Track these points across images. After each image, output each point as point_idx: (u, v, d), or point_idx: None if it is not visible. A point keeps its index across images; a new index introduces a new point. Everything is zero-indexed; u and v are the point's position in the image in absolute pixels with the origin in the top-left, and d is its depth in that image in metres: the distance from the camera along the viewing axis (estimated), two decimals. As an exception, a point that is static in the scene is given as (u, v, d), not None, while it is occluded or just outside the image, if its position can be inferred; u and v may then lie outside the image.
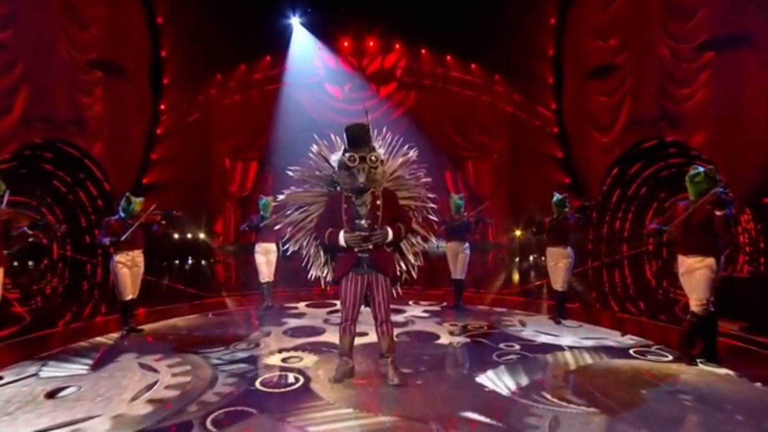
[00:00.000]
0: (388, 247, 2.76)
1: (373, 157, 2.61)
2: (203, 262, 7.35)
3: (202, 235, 7.55)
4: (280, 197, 2.87)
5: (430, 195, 2.99)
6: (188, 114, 7.66)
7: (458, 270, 5.50)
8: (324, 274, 2.96)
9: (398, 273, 2.94)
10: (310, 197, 2.91)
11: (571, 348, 3.83)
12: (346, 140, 2.68)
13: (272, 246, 5.42)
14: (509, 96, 8.37)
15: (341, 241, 2.57)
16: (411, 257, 2.99)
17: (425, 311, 5.46)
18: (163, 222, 4.30)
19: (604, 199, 6.23)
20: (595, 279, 6.25)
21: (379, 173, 2.69)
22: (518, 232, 8.19)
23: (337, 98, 8.52)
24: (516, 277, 7.38)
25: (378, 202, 2.69)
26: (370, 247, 2.66)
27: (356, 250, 2.68)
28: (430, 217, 2.93)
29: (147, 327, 4.60)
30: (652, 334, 4.21)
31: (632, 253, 6.12)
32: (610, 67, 6.57)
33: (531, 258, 8.19)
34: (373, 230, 2.67)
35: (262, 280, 5.47)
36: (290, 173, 2.90)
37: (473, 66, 8.42)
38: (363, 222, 2.65)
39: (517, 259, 8.33)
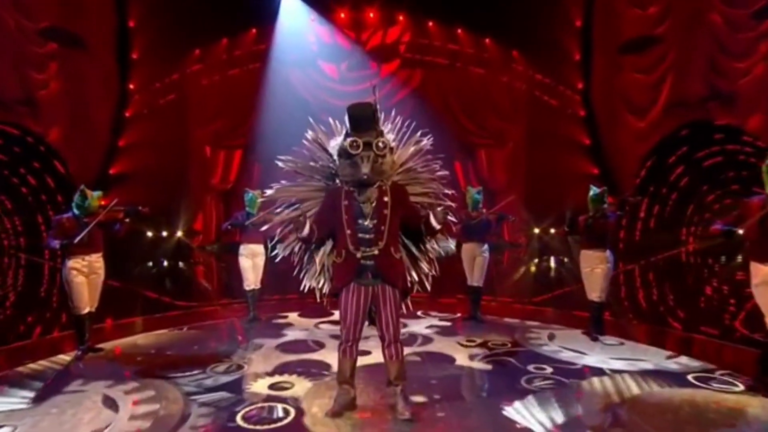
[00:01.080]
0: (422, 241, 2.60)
1: (380, 144, 2.47)
2: (180, 265, 7.10)
3: (179, 234, 7.15)
4: (269, 192, 2.76)
5: (447, 191, 2.85)
6: (162, 94, 7.21)
7: (475, 276, 5.36)
8: (320, 285, 2.80)
9: (409, 284, 2.78)
10: (303, 192, 2.77)
11: (614, 373, 3.56)
12: (348, 123, 2.53)
13: (259, 248, 5.32)
14: (528, 75, 7.97)
15: None
16: (424, 265, 2.82)
17: (437, 324, 5.26)
18: (127, 220, 4.05)
19: (639, 194, 5.87)
20: (633, 286, 6.05)
21: (387, 163, 2.54)
22: (537, 230, 7.82)
23: (333, 78, 8.09)
24: (538, 282, 7.29)
25: (385, 199, 2.53)
26: (376, 252, 2.50)
27: (358, 255, 2.52)
28: (448, 218, 2.71)
29: (108, 345, 4.37)
30: (713, 355, 3.94)
31: (678, 254, 5.73)
32: (649, 39, 6.27)
33: (553, 260, 7.93)
34: (380, 231, 2.50)
35: (247, 288, 5.37)
36: (280, 164, 2.77)
37: (487, 41, 8.01)
38: (367, 222, 2.51)
39: (536, 261, 8.07)
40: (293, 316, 5.81)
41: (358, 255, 2.54)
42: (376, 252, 2.53)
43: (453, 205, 2.84)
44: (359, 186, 2.56)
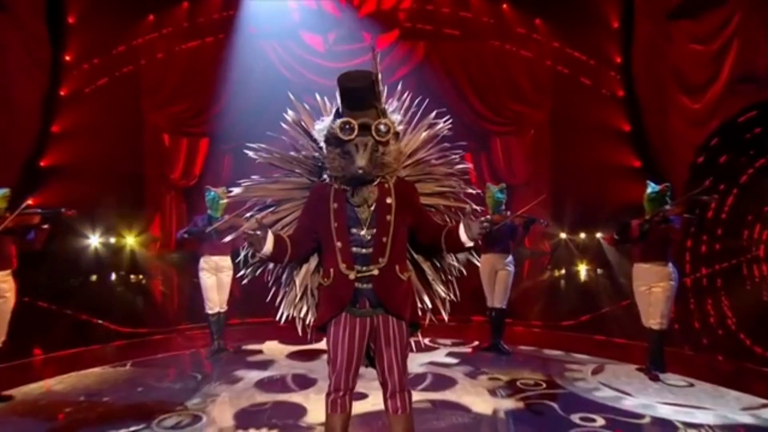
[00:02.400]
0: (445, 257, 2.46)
1: (381, 127, 2.24)
2: (131, 279, 6.87)
3: (130, 241, 6.88)
4: (235, 191, 2.56)
5: (471, 189, 2.64)
6: (106, 69, 6.88)
7: (497, 295, 5.17)
8: (301, 314, 2.58)
9: (420, 313, 2.56)
10: (281, 191, 2.58)
11: (689, 427, 3.24)
12: (339, 99, 2.32)
13: (224, 260, 5.19)
14: (554, 48, 7.71)
15: None
16: (440, 288, 2.59)
17: (450, 356, 5.12)
18: (45, 226, 3.74)
19: (690, 190, 5.50)
20: (702, 307, 5.85)
21: (390, 153, 2.33)
22: (563, 235, 7.63)
23: (318, 51, 7.81)
24: (570, 299, 7.10)
25: (388, 201, 2.33)
26: (375, 272, 2.27)
27: (352, 276, 2.28)
28: (484, 227, 2.39)
29: (22, 391, 3.98)
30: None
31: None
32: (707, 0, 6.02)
33: (583, 270, 7.70)
34: (381, 244, 2.29)
35: (210, 311, 5.21)
36: (251, 154, 2.60)
37: (504, 6, 7.75)
38: (364, 232, 2.30)
39: (564, 272, 7.87)
40: (269, 346, 5.65)
41: (352, 276, 2.31)
42: (376, 272, 2.31)
43: (478, 209, 2.55)
44: (353, 183, 2.34)
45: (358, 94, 2.28)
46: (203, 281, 5.18)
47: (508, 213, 5.02)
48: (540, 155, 7.99)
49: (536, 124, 7.98)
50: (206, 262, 5.16)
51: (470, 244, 2.30)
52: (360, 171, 2.25)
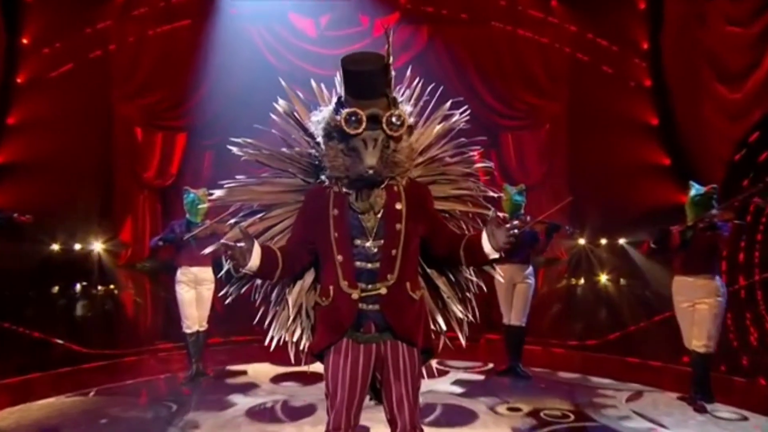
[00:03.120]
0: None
1: (394, 118, 2.20)
2: (97, 291, 6.81)
3: (97, 248, 6.79)
4: (217, 193, 2.53)
5: (493, 192, 2.65)
6: (71, 54, 6.75)
7: (516, 311, 5.15)
8: (295, 338, 2.55)
9: (434, 337, 2.52)
10: (270, 194, 2.56)
11: None
12: (342, 84, 2.29)
13: (205, 272, 5.15)
14: (572, 32, 7.66)
15: None
16: (457, 308, 2.56)
17: (462, 382, 5.03)
18: None
19: (727, 191, 5.41)
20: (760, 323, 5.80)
21: (403, 151, 2.30)
22: (582, 241, 7.55)
23: (310, 37, 7.77)
24: (592, 314, 7.05)
25: (398, 206, 2.31)
26: (383, 291, 2.24)
27: (355, 296, 2.24)
28: (511, 237, 2.39)
29: None
30: None
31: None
32: (747, -26, 6.00)
33: (606, 281, 7.63)
34: (390, 257, 2.27)
35: (188, 330, 5.16)
36: (235, 150, 2.56)
37: None
38: (369, 244, 2.26)
39: (582, 282, 7.81)
40: (256, 368, 5.50)
41: (355, 296, 2.26)
42: (384, 291, 2.26)
43: (504, 215, 2.60)
44: (357, 186, 2.29)
45: (367, 79, 2.20)
46: (180, 296, 5.12)
47: (528, 218, 4.92)
48: (556, 152, 7.93)
49: (552, 118, 7.90)
50: (184, 274, 5.12)
51: (495, 255, 2.25)
52: (370, 171, 2.18)
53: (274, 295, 2.54)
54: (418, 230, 2.34)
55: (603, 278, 7.74)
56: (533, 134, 7.96)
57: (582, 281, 7.94)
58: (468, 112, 2.66)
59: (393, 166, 2.26)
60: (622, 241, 7.41)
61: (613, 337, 6.38)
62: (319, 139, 2.36)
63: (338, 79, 2.38)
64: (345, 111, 2.18)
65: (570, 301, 7.48)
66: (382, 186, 2.28)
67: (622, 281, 7.38)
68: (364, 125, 2.17)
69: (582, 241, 7.53)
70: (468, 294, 2.58)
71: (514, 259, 4.93)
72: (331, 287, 2.28)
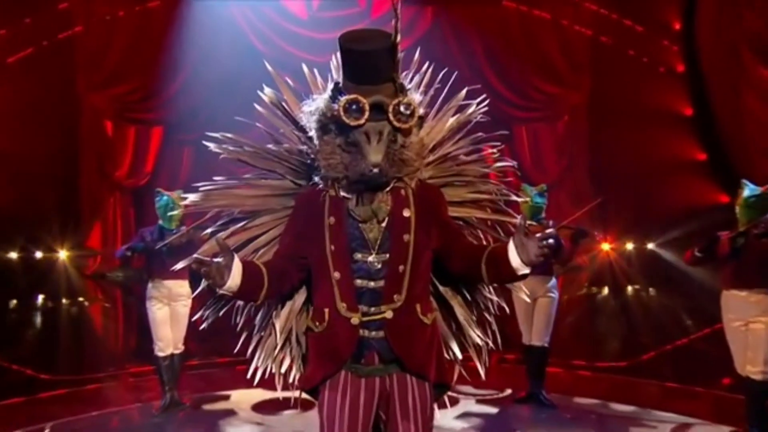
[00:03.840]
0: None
1: (401, 107, 2.17)
2: (62, 304, 6.80)
3: (61, 256, 6.80)
4: (191, 198, 2.51)
5: (517, 197, 2.64)
6: (32, 37, 6.71)
7: (537, 330, 5.14)
8: (283, 369, 2.52)
9: (446, 368, 2.46)
10: (253, 198, 2.54)
11: None
12: (341, 67, 2.28)
13: (181, 286, 5.10)
14: (593, 12, 7.65)
15: None
16: (475, 332, 2.52)
17: (475, 412, 4.95)
18: None
19: None
20: None
21: (412, 147, 2.28)
22: (606, 246, 7.47)
23: (300, 19, 7.79)
24: (619, 330, 6.99)
25: (406, 213, 2.28)
26: (388, 315, 2.21)
27: (355, 320, 2.20)
28: (546, 247, 2.32)
29: None
30: None
31: None
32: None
33: (631, 289, 7.60)
34: (396, 274, 2.24)
35: (160, 353, 5.09)
36: (212, 147, 2.53)
37: None
38: (372, 258, 2.24)
39: (606, 292, 7.74)
40: (240, 396, 5.36)
41: (355, 320, 2.20)
42: (390, 315, 2.20)
43: (530, 223, 2.68)
44: (359, 189, 2.25)
45: (370, 61, 2.13)
46: (152, 314, 5.04)
47: (551, 223, 4.88)
48: (576, 147, 7.91)
49: (572, 109, 7.90)
50: (156, 289, 5.04)
51: (525, 270, 2.14)
52: (375, 169, 2.11)
53: (258, 318, 2.48)
54: (429, 241, 2.27)
55: (630, 288, 7.66)
56: (550, 127, 7.93)
57: (606, 291, 7.86)
58: (487, 101, 2.62)
59: (400, 165, 2.20)
60: (651, 245, 7.34)
61: (647, 358, 6.28)
62: (312, 134, 2.30)
63: (335, 62, 2.35)
64: (344, 98, 2.11)
65: (593, 314, 7.42)
66: (387, 189, 2.22)
67: (652, 291, 7.32)
68: (366, 115, 2.10)
69: (606, 246, 7.39)
70: (487, 315, 2.51)
71: (535, 270, 4.78)
72: (326, 310, 2.20)
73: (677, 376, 5.65)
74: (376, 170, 2.10)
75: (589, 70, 7.61)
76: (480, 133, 2.62)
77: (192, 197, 2.46)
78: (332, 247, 2.22)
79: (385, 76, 2.15)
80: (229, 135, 2.50)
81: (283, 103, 2.53)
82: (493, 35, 7.76)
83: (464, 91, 2.62)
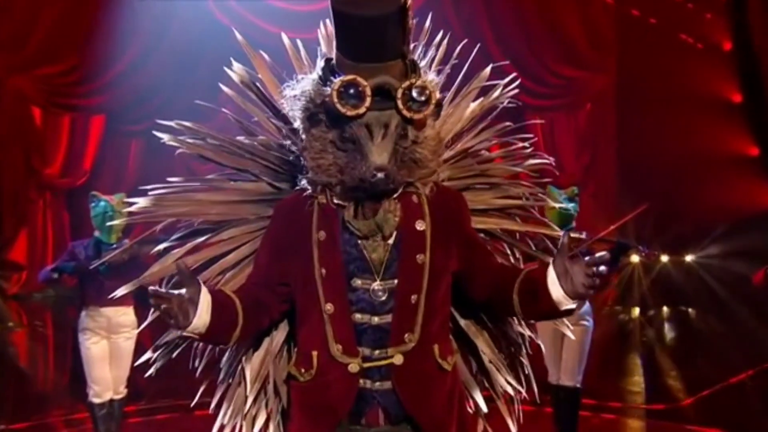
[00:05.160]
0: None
1: (414, 92, 2.01)
2: None
3: None
4: (140, 203, 2.38)
5: (558, 203, 3.10)
6: None
7: (568, 366, 5.09)
8: (256, 428, 2.41)
9: (470, 424, 2.43)
10: (220, 205, 2.45)
11: None
12: (335, 39, 2.12)
13: (123, 314, 4.99)
14: None
15: None
16: (505, 377, 2.45)
17: None
18: None
19: None
20: None
21: (426, 142, 2.15)
22: (635, 258, 7.44)
23: None
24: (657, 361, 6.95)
25: (420, 227, 2.18)
26: (397, 360, 2.09)
27: (353, 367, 2.09)
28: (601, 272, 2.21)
29: None
30: None
31: None
32: None
33: (666, 311, 7.69)
34: (408, 306, 2.12)
35: (96, 399, 4.96)
36: (165, 139, 2.41)
37: None
38: (376, 285, 2.09)
39: (635, 314, 7.71)
40: None
41: (354, 367, 2.10)
42: (399, 360, 2.10)
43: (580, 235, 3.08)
44: (358, 196, 2.14)
45: (374, 31, 2.01)
46: (86, 350, 4.87)
47: (584, 234, 4.75)
48: (601, 140, 7.93)
49: (595, 95, 7.96)
50: (92, 318, 4.87)
51: (570, 305, 2.04)
52: (379, 174, 1.97)
53: (225, 360, 2.39)
54: (449, 262, 2.18)
55: (665, 310, 7.73)
56: (570, 116, 7.96)
57: (636, 313, 7.89)
58: (518, 82, 2.57)
59: (412, 167, 2.09)
60: (690, 258, 7.36)
61: (689, 402, 6.17)
62: (297, 124, 2.19)
63: (324, 33, 2.33)
64: (338, 80, 1.98)
65: (622, 342, 7.39)
66: (395, 195, 2.10)
67: (692, 312, 7.35)
68: (368, 102, 1.96)
69: (635, 258, 7.21)
70: (521, 357, 2.45)
71: None
72: (315, 353, 2.08)
73: (728, 421, 5.56)
74: (380, 175, 1.94)
75: (615, 50, 7.57)
76: (507, 123, 2.56)
77: (140, 203, 2.33)
78: (323, 271, 2.09)
79: (393, 50, 2.01)
80: (187, 123, 2.39)
81: (258, 84, 2.44)
82: (501, 8, 7.73)
83: (488, 69, 2.55)
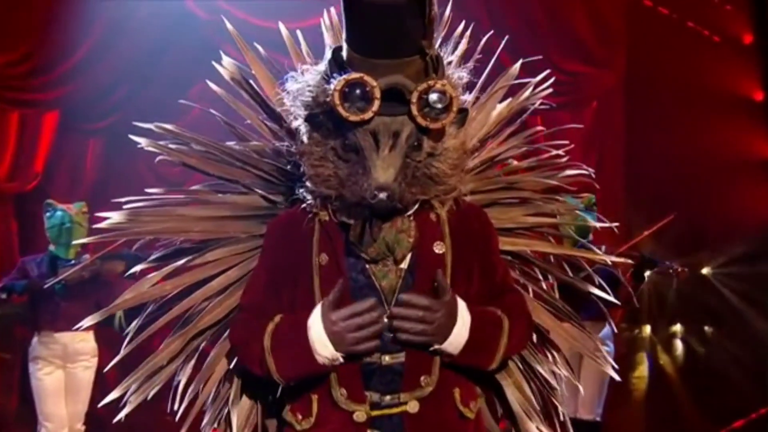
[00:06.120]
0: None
1: (433, 96, 1.87)
2: None
3: None
4: (112, 218, 2.28)
5: (604, 222, 2.74)
6: None
7: (587, 397, 4.92)
8: None
9: None
10: (205, 221, 2.37)
11: None
12: (344, 29, 1.96)
13: (81, 341, 4.93)
14: None
15: (318, 344, 1.98)
16: (536, 424, 2.37)
17: None
18: None
19: None
20: None
21: (446, 155, 2.02)
22: (648, 273, 7.42)
23: None
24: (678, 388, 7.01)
25: (439, 249, 2.08)
26: (411, 408, 2.02)
27: (360, 416, 1.99)
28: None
29: None
30: None
31: None
32: None
33: (679, 328, 7.61)
34: (425, 340, 1.97)
35: None
36: (142, 143, 2.38)
37: None
38: (387, 318, 2.00)
39: (646, 332, 7.68)
40: None
41: (361, 415, 1.98)
42: (413, 407, 1.99)
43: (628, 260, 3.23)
44: (363, 213, 2.01)
45: (389, 20, 1.86)
46: (37, 381, 4.76)
47: (603, 249, 4.58)
48: (608, 142, 7.93)
49: (602, 93, 7.94)
50: (45, 346, 4.78)
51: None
52: (380, 195, 1.86)
53: (209, 401, 2.31)
54: (470, 291, 2.07)
55: (678, 328, 7.72)
56: (575, 115, 7.67)
57: (647, 332, 7.88)
58: (552, 80, 2.57)
59: (426, 184, 1.98)
60: (707, 270, 7.34)
61: (738, 425, 6.08)
62: (298, 124, 2.08)
63: (326, 23, 2.29)
64: (342, 78, 1.85)
65: (632, 366, 7.38)
66: (409, 213, 2.01)
67: (708, 331, 7.35)
68: (375, 106, 1.83)
69: (647, 274, 6.92)
70: (555, 401, 2.36)
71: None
72: (314, 398, 2.00)
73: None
74: (382, 195, 1.80)
75: (624, 44, 7.57)
76: (539, 127, 2.55)
77: (112, 218, 2.24)
78: (323, 299, 1.96)
79: (411, 44, 1.84)
80: (168, 126, 2.32)
81: (251, 81, 2.36)
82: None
83: (517, 65, 2.51)
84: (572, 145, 2.59)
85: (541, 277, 2.44)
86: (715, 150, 6.85)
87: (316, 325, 1.94)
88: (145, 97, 6.28)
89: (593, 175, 2.58)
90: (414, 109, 1.83)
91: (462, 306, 1.99)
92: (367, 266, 2.01)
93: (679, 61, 7.07)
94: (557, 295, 2.56)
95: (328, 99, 1.89)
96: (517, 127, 2.52)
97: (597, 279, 2.69)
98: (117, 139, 6.60)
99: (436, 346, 1.96)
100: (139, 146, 2.36)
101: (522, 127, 2.58)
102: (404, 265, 2.01)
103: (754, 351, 6.40)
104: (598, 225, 2.78)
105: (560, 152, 2.51)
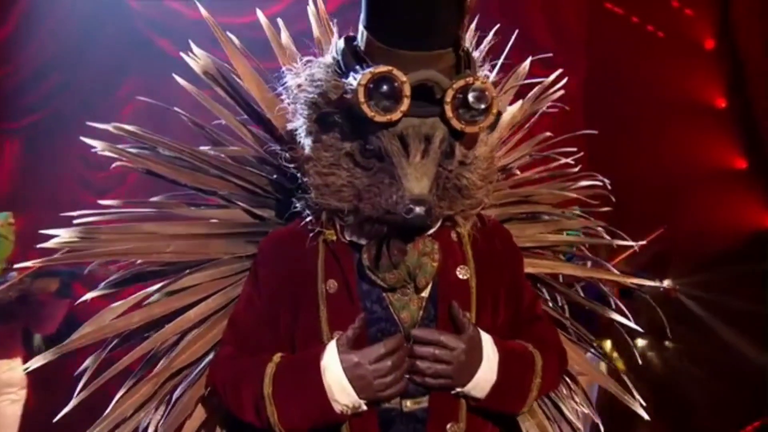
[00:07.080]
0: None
1: (472, 95, 1.72)
2: None
3: None
4: (60, 237, 2.14)
5: (622, 240, 2.72)
6: None
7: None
8: None
9: None
10: (179, 239, 2.23)
11: None
12: (364, 15, 1.79)
13: (10, 371, 4.76)
14: None
15: (336, 390, 1.80)
16: None
17: None
18: None
19: None
20: None
21: (476, 165, 1.93)
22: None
23: None
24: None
25: (462, 274, 1.96)
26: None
27: None
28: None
29: None
30: None
31: None
32: None
33: (641, 343, 7.44)
34: (443, 383, 1.86)
35: None
36: (100, 150, 2.27)
37: None
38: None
39: (607, 345, 7.10)
40: None
41: None
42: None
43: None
44: (381, 232, 1.86)
45: (423, 5, 1.72)
46: None
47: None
48: (568, 149, 8.08)
49: (562, 100, 8.02)
50: None
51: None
52: (417, 209, 1.70)
53: None
54: (497, 321, 2.00)
55: (640, 343, 7.53)
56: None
57: (608, 345, 7.31)
58: (565, 79, 2.59)
59: (455, 197, 1.88)
60: (665, 283, 7.37)
61: None
62: (297, 125, 1.93)
63: (313, 11, 2.29)
64: (368, 71, 1.69)
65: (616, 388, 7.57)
66: (430, 232, 1.89)
67: (669, 345, 7.47)
68: (405, 105, 1.69)
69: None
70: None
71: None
72: None
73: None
74: (419, 210, 1.65)
75: (585, 48, 7.73)
76: (548, 133, 2.53)
77: (62, 235, 2.09)
78: (334, 336, 1.84)
79: (445, 35, 1.72)
80: (128, 127, 2.19)
81: (233, 75, 2.25)
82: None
83: (527, 63, 2.52)
84: (581, 153, 2.61)
85: (558, 298, 2.43)
86: (678, 159, 6.95)
87: (333, 366, 1.79)
88: (71, 92, 6.18)
89: (609, 186, 2.59)
90: (448, 110, 1.72)
91: (488, 342, 1.87)
92: (384, 295, 1.89)
93: (641, 67, 7.22)
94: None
95: (345, 96, 1.76)
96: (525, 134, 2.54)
97: (616, 303, 2.71)
98: (37, 141, 6.54)
99: (458, 390, 1.84)
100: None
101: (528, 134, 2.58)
102: (426, 293, 1.89)
103: (718, 368, 6.55)
104: (615, 242, 2.72)
105: (570, 161, 2.50)
